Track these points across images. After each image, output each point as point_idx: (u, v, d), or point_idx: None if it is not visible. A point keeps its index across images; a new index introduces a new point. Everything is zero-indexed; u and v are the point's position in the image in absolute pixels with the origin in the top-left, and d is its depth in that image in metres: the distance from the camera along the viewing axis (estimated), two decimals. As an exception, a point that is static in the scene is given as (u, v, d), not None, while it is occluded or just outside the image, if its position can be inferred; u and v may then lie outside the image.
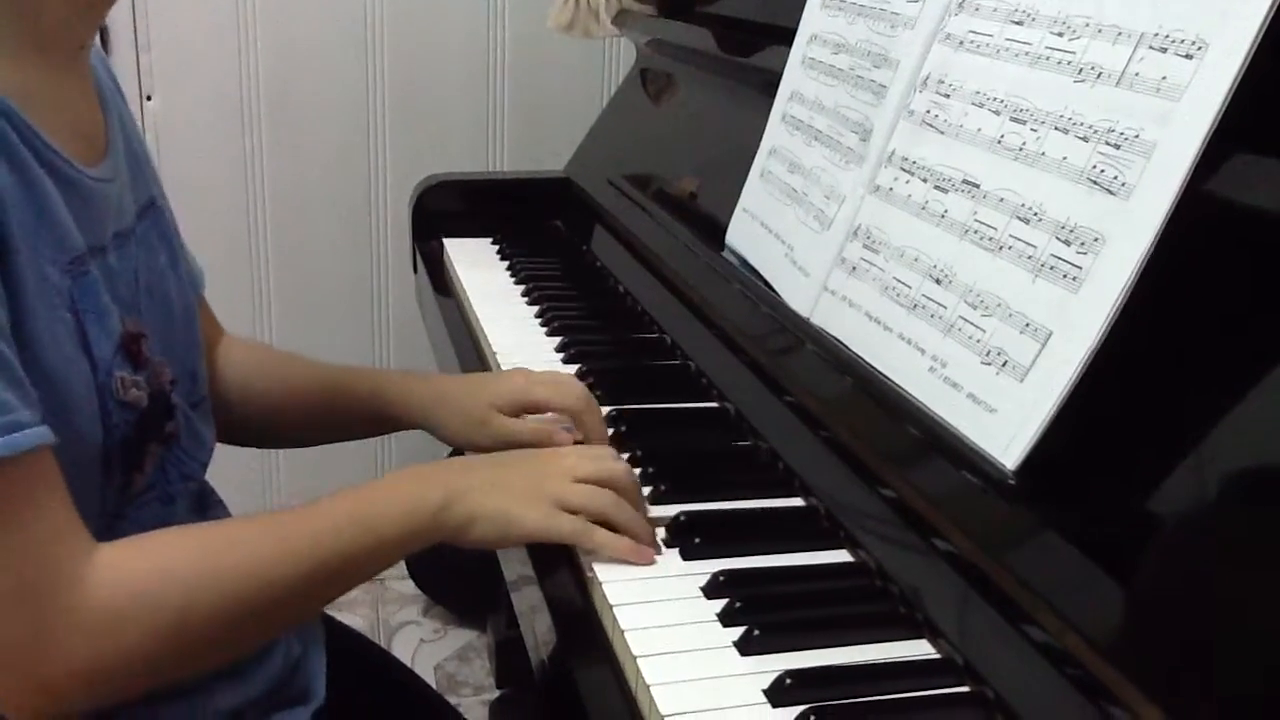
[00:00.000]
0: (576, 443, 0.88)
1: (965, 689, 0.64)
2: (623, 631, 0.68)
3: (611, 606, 0.70)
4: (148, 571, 0.64)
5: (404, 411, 0.94)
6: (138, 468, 0.72)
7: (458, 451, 1.00)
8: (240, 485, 1.86)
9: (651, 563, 0.74)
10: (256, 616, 0.67)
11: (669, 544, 0.77)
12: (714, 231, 1.11)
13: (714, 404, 1.01)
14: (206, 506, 0.85)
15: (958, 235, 0.72)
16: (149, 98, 1.86)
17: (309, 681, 0.85)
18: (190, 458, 0.80)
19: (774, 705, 0.62)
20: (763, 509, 0.84)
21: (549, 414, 0.91)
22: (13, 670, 0.60)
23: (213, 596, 0.64)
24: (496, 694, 1.83)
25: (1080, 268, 0.62)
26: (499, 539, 0.74)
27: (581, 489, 0.75)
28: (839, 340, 0.81)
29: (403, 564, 2.05)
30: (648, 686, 0.63)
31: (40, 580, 0.59)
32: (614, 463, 0.79)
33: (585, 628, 0.72)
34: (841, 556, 0.78)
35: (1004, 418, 0.64)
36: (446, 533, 0.72)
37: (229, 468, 0.98)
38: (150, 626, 0.62)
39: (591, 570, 0.74)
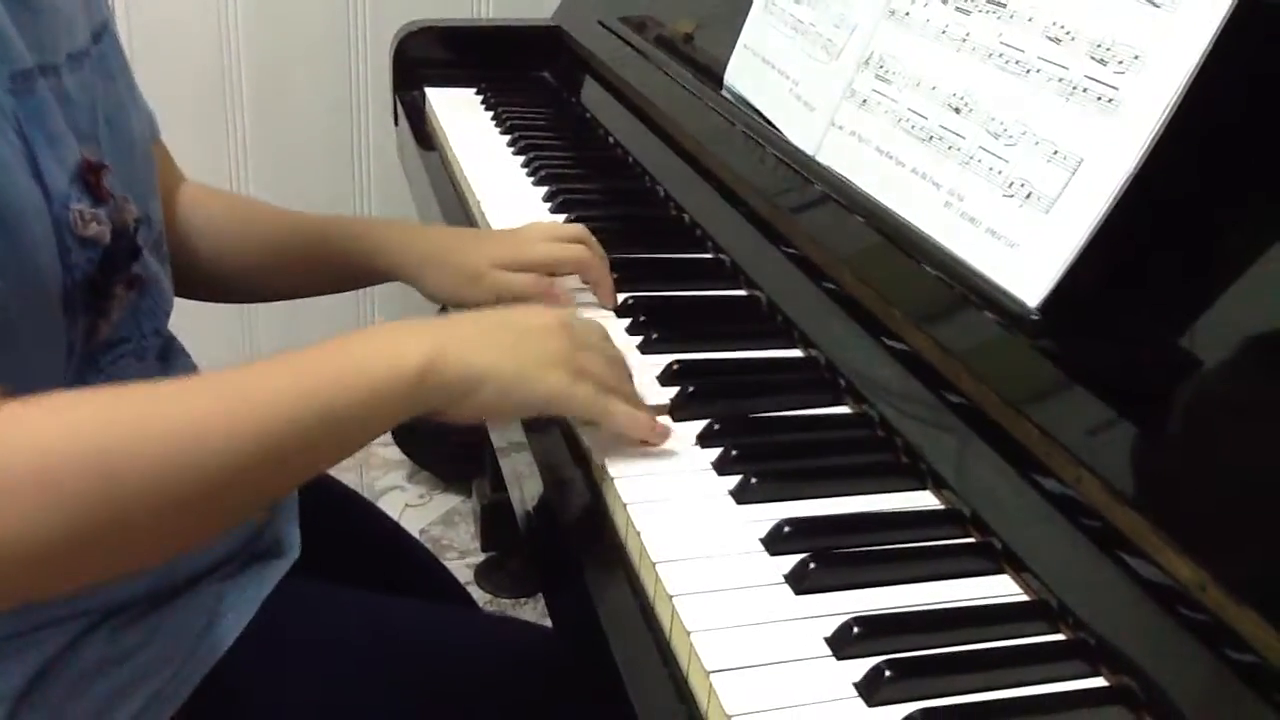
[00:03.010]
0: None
1: (971, 540, 0.61)
2: (612, 480, 0.64)
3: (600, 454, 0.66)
4: (60, 431, 0.51)
5: (390, 263, 0.89)
6: (103, 314, 0.66)
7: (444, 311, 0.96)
8: (216, 344, 1.82)
9: (667, 437, 0.67)
10: (200, 495, 0.54)
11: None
12: (711, 75, 1.05)
13: (708, 255, 0.97)
14: (170, 356, 0.80)
15: (980, 60, 0.66)
16: (113, -62, 1.75)
17: (281, 533, 0.82)
18: (157, 306, 0.75)
19: (771, 553, 0.59)
20: (759, 359, 0.80)
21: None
22: None
23: (145, 464, 0.51)
24: (482, 557, 1.83)
25: (1116, 89, 0.57)
26: (506, 406, 0.62)
27: (598, 359, 0.66)
28: (846, 178, 0.76)
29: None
30: (638, 534, 0.60)
31: None
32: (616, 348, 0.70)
33: (574, 476, 0.68)
34: (842, 409, 0.74)
35: (1026, 253, 0.59)
36: (437, 398, 0.60)
37: (203, 327, 0.93)
38: (67, 498, 0.49)
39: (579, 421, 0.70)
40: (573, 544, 0.64)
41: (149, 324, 0.73)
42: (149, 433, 0.52)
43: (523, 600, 1.76)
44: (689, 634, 0.52)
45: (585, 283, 0.87)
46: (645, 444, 0.66)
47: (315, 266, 0.91)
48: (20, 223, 0.57)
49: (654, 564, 0.57)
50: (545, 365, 0.62)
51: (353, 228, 0.92)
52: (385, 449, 2.09)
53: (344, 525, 0.95)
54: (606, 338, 0.70)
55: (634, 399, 0.68)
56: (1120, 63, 0.57)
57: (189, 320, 0.81)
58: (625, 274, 0.89)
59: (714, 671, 0.50)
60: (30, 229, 0.58)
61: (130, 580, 0.70)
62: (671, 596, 0.54)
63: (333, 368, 0.58)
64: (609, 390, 0.65)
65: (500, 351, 0.61)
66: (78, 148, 0.64)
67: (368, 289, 1.95)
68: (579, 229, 0.89)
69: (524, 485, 0.75)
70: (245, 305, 1.93)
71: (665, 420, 0.69)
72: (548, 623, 0.80)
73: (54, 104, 0.62)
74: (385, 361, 0.58)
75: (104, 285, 0.65)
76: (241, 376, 0.57)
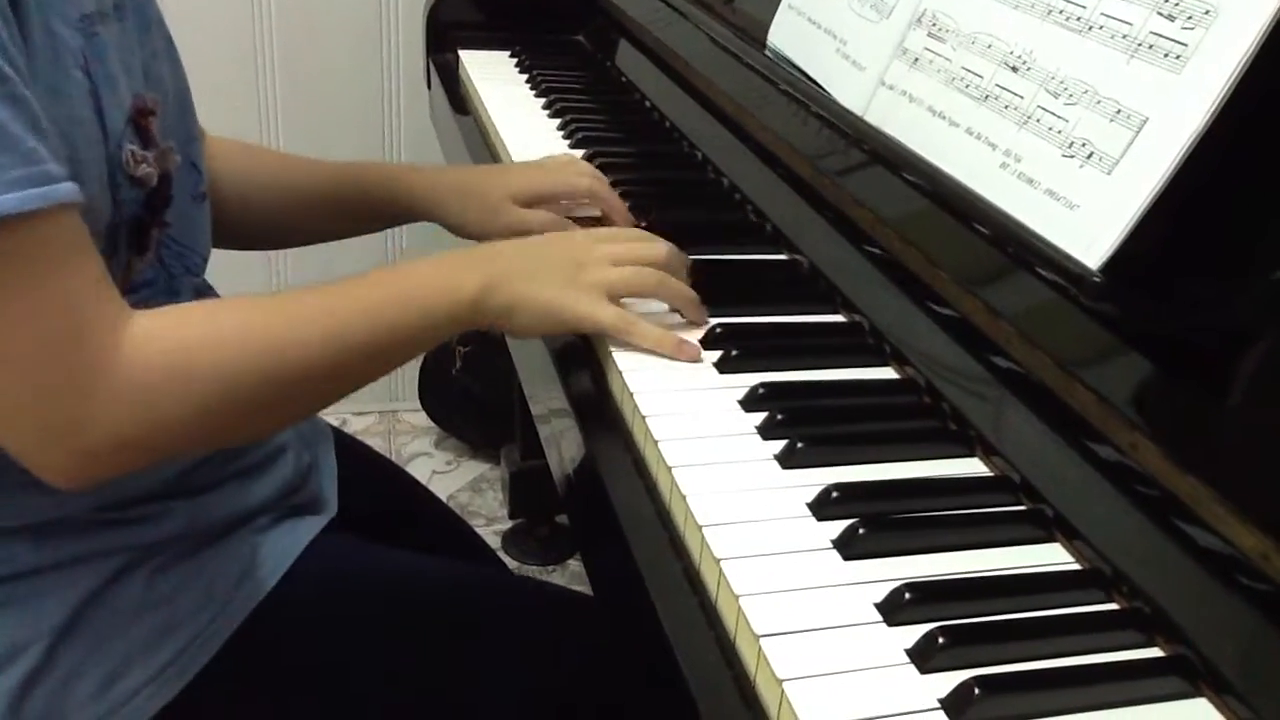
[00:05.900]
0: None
1: (1022, 507, 0.60)
2: (656, 443, 0.63)
3: (644, 418, 0.66)
4: (186, 340, 0.62)
5: (414, 201, 0.92)
6: (141, 251, 0.69)
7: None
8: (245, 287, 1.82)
9: (697, 359, 0.71)
10: (297, 392, 0.66)
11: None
12: (751, 37, 1.03)
13: (750, 218, 0.95)
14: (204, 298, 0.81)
15: (1039, 17, 0.64)
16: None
17: (319, 490, 0.83)
18: (190, 250, 0.76)
19: (819, 518, 0.58)
20: (802, 324, 0.79)
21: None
22: (53, 439, 0.58)
23: (253, 369, 0.62)
24: (509, 524, 1.83)
25: (1185, 45, 0.55)
26: (540, 327, 0.72)
27: (623, 271, 0.72)
28: (895, 139, 0.75)
29: (415, 395, 2.03)
30: (683, 497, 0.59)
31: (76, 342, 0.57)
32: (652, 243, 0.76)
33: (615, 440, 0.68)
34: (887, 373, 0.73)
35: (1087, 214, 0.57)
36: (486, 320, 0.70)
37: (231, 270, 0.93)
38: (189, 396, 0.61)
39: (623, 382, 0.69)
40: (614, 507, 0.64)
41: (177, 264, 0.74)
42: (262, 341, 0.63)
43: (550, 567, 1.76)
44: (737, 598, 0.51)
45: (600, 211, 0.93)
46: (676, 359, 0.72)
47: (341, 210, 0.94)
48: (77, 156, 0.61)
49: (700, 527, 0.56)
50: (576, 290, 0.70)
51: (377, 171, 0.95)
52: (413, 415, 2.09)
53: (376, 488, 0.96)
54: (645, 238, 0.77)
55: (680, 293, 0.74)
56: (1189, 18, 0.55)
57: (217, 264, 0.81)
58: (662, 237, 0.88)
59: (763, 635, 0.49)
60: (89, 164, 0.62)
61: (164, 522, 0.70)
62: (719, 560, 0.54)
63: (401, 294, 0.68)
64: (646, 294, 0.73)
65: (537, 281, 0.70)
66: (129, 93, 0.66)
67: (396, 239, 1.95)
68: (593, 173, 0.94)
69: (563, 448, 0.74)
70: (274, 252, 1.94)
71: (708, 371, 0.71)
72: (577, 588, 0.80)
73: (110, 47, 0.65)
74: (443, 293, 0.68)
75: (146, 225, 0.69)
76: (330, 296, 0.67)
